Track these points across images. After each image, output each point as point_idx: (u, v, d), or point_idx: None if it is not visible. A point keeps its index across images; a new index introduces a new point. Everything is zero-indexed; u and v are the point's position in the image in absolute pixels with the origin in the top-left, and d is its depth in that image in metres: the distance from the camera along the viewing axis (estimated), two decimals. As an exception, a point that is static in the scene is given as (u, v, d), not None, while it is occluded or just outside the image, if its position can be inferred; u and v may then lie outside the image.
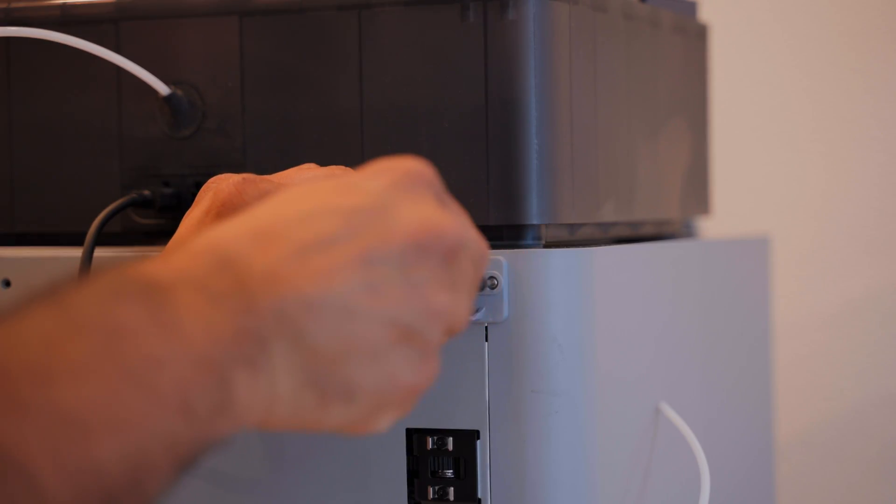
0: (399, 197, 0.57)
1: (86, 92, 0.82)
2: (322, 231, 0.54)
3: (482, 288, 0.71)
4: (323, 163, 0.76)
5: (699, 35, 0.98)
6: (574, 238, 0.78)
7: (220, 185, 0.70)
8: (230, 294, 0.51)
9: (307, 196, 0.56)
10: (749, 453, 1.01)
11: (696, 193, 0.97)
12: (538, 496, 0.71)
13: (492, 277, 0.71)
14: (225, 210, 0.69)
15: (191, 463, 0.50)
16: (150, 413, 0.47)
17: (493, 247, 0.73)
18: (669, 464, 0.81)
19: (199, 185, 0.74)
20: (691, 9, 0.98)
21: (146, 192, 0.80)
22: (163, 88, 0.79)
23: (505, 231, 0.74)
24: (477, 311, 0.71)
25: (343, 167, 0.73)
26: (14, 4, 0.83)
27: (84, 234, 0.75)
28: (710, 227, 1.05)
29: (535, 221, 0.74)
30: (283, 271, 0.52)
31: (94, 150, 0.82)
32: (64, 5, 0.82)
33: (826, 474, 1.44)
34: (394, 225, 0.55)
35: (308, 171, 0.72)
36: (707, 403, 0.90)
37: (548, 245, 0.75)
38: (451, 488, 0.72)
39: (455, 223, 0.58)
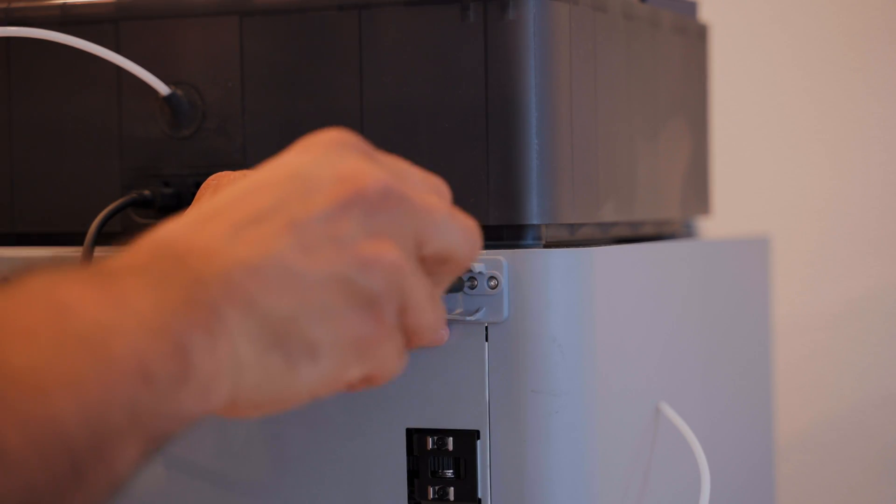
0: (321, 162, 0.59)
1: (86, 92, 0.82)
2: (252, 207, 0.56)
3: (460, 285, 0.71)
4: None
5: (699, 35, 0.98)
6: (574, 238, 0.78)
7: (221, 182, 0.71)
8: (173, 272, 0.53)
9: (243, 181, 0.59)
10: (749, 453, 1.01)
11: (696, 193, 0.97)
12: (538, 496, 0.71)
13: (492, 278, 0.71)
14: None
15: (162, 440, 0.51)
16: (105, 374, 0.49)
17: (494, 247, 0.73)
18: (669, 464, 0.81)
19: (199, 185, 0.74)
20: (691, 9, 0.98)
21: (146, 192, 0.80)
22: (163, 88, 0.79)
23: (505, 231, 0.74)
24: (477, 311, 0.71)
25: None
26: (14, 4, 0.83)
27: (84, 234, 0.75)
28: (710, 227, 1.05)
29: (535, 221, 0.74)
30: (219, 246, 0.55)
31: (94, 150, 0.82)
32: (64, 5, 0.82)
33: (826, 474, 1.44)
34: (317, 188, 0.58)
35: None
36: (707, 403, 0.90)
37: (548, 245, 0.75)
38: (451, 488, 0.72)
39: (375, 172, 0.59)
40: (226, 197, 0.58)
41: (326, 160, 0.59)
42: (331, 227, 0.57)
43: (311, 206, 0.57)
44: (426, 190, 0.62)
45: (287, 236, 0.56)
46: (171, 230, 0.56)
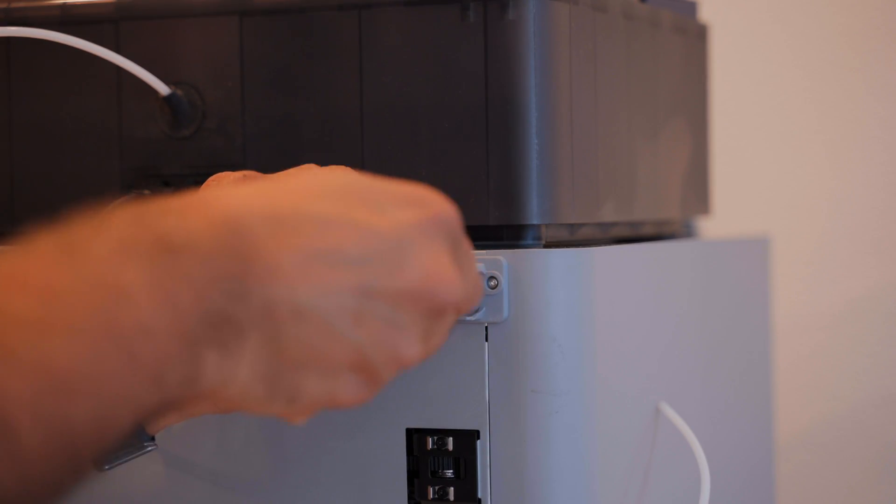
0: (419, 240, 0.58)
1: (86, 92, 0.82)
2: (337, 244, 0.55)
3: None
4: (323, 163, 0.76)
5: (699, 35, 0.98)
6: (574, 238, 0.78)
7: (222, 182, 0.71)
8: (231, 276, 0.52)
9: (333, 196, 0.57)
10: (749, 453, 1.01)
11: (696, 193, 0.97)
12: (538, 496, 0.71)
13: (492, 278, 0.71)
14: None
15: (147, 420, 0.52)
16: (127, 380, 0.49)
17: (493, 247, 0.73)
18: (669, 464, 0.81)
19: (199, 185, 0.74)
20: (691, 9, 0.98)
21: (146, 192, 0.80)
22: (163, 88, 0.79)
23: (505, 231, 0.74)
24: (477, 311, 0.71)
25: (344, 167, 0.73)
26: (14, 4, 0.83)
27: (84, 234, 0.75)
28: (710, 227, 1.05)
29: (535, 221, 0.74)
30: (287, 268, 0.54)
31: (94, 150, 0.82)
32: (64, 5, 0.82)
33: (826, 474, 1.44)
34: (403, 267, 0.57)
35: (308, 171, 0.72)
36: (707, 403, 0.90)
37: (548, 245, 0.75)
38: (451, 488, 0.72)
39: (457, 285, 0.59)
40: (313, 208, 0.56)
41: (425, 240, 0.58)
42: (395, 308, 0.57)
43: (392, 281, 0.56)
44: (467, 306, 0.62)
45: (354, 295, 0.55)
46: (251, 217, 0.54)
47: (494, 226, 0.74)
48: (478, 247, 0.73)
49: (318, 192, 0.57)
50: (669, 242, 0.91)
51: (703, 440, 0.78)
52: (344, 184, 0.59)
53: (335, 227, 0.56)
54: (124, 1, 0.81)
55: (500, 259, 0.71)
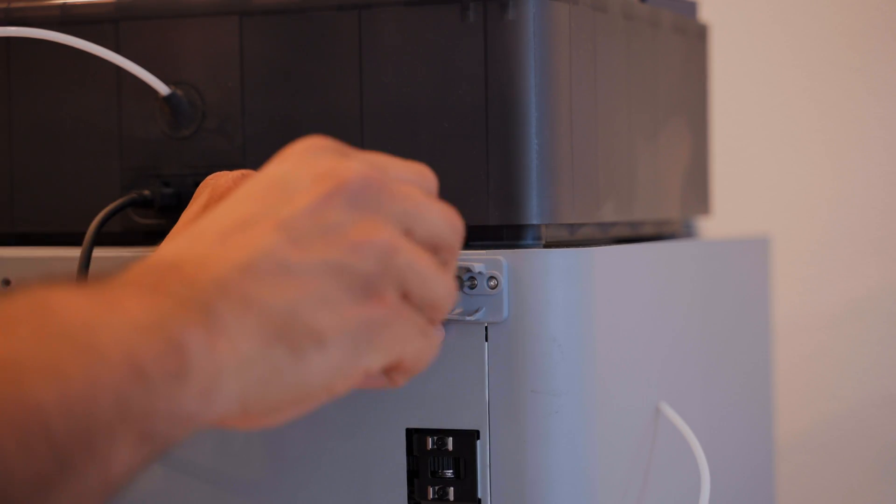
0: (299, 166, 0.60)
1: (86, 92, 0.82)
2: (237, 214, 0.58)
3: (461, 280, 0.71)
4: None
5: (699, 35, 0.98)
6: (574, 238, 0.78)
7: (219, 181, 0.71)
8: (166, 280, 0.54)
9: (231, 195, 0.60)
10: (749, 453, 1.01)
11: (696, 193, 0.97)
12: (538, 496, 0.71)
13: (492, 278, 0.71)
14: None
15: (162, 441, 0.51)
16: (90, 367, 0.49)
17: (493, 247, 0.73)
18: (669, 464, 0.81)
19: (198, 185, 0.74)
20: (691, 9, 0.98)
21: (146, 192, 0.80)
22: (163, 88, 0.79)
23: (505, 231, 0.74)
24: (477, 311, 0.71)
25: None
26: (14, 4, 0.83)
27: (84, 234, 0.75)
28: (710, 227, 1.05)
29: (535, 221, 0.74)
30: (211, 254, 0.56)
31: (94, 150, 0.82)
32: (64, 5, 0.82)
33: (826, 475, 1.44)
34: (297, 188, 0.59)
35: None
36: (707, 403, 0.90)
37: (548, 245, 0.75)
38: (451, 488, 0.72)
39: (353, 165, 0.60)
40: (211, 215, 0.59)
41: (303, 164, 0.60)
42: (317, 219, 0.58)
43: (294, 204, 0.58)
44: (408, 178, 0.63)
45: (275, 234, 0.57)
46: (163, 251, 0.57)
47: (494, 226, 0.74)
48: (478, 247, 0.73)
49: (214, 210, 0.60)
50: (669, 242, 0.91)
51: (703, 440, 0.78)
52: (235, 190, 0.61)
53: (232, 208, 0.59)
54: (124, 1, 0.81)
55: (500, 259, 0.71)
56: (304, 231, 0.57)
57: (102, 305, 0.51)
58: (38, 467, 0.47)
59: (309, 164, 0.60)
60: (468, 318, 0.71)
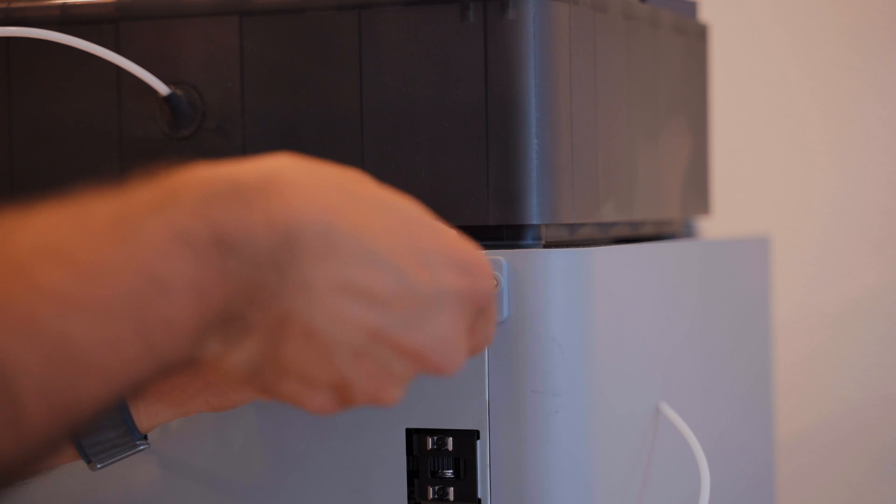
0: (448, 307, 0.59)
1: (86, 92, 0.82)
2: (373, 284, 0.56)
3: None
4: (323, 163, 0.76)
5: (699, 35, 0.98)
6: (574, 238, 0.78)
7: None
8: (265, 286, 0.53)
9: (393, 234, 0.57)
10: (749, 453, 1.01)
11: (696, 193, 0.97)
12: (538, 496, 0.71)
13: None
14: None
15: (146, 371, 0.52)
16: (140, 367, 0.50)
17: (494, 247, 0.73)
18: (669, 464, 0.81)
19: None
20: (691, 9, 0.98)
21: (146, 192, 0.80)
22: (163, 88, 0.79)
23: (505, 231, 0.74)
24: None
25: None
26: (14, 4, 0.83)
27: (84, 234, 0.75)
28: (710, 227, 1.05)
29: (535, 221, 0.74)
30: (317, 290, 0.54)
31: (94, 150, 0.82)
32: (64, 5, 0.82)
33: (826, 474, 1.44)
34: (421, 327, 0.58)
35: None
36: (707, 403, 0.90)
37: (548, 245, 0.75)
38: (451, 488, 0.72)
39: (459, 360, 0.60)
40: (367, 236, 0.56)
41: (455, 312, 0.59)
42: (391, 359, 0.58)
43: (401, 337, 0.57)
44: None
45: (363, 335, 0.56)
46: (312, 220, 0.54)
47: (494, 226, 0.74)
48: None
49: (381, 223, 0.57)
50: (669, 242, 0.91)
51: (703, 440, 0.78)
52: (407, 221, 0.59)
53: (378, 268, 0.56)
54: (124, 1, 0.81)
55: (500, 259, 0.71)
56: (376, 355, 0.57)
57: (195, 294, 0.51)
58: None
59: (449, 317, 0.59)
60: (468, 318, 0.71)
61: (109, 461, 0.73)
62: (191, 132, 0.80)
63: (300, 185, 0.54)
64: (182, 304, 0.50)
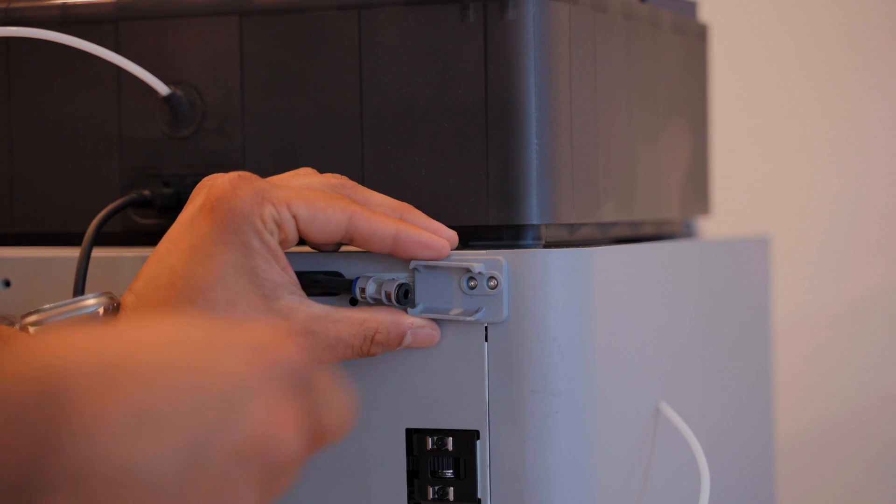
0: (254, 390, 0.53)
1: (86, 92, 0.82)
2: (166, 400, 0.51)
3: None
4: (323, 162, 0.76)
5: (699, 35, 0.98)
6: (574, 238, 0.78)
7: (215, 182, 0.70)
8: (45, 429, 0.48)
9: (169, 344, 0.53)
10: (749, 453, 1.01)
11: (696, 193, 0.97)
12: (538, 496, 0.71)
13: (492, 278, 0.71)
14: (219, 206, 0.69)
15: None
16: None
17: (493, 247, 0.73)
18: (669, 464, 0.81)
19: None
20: (691, 9, 0.98)
21: (146, 192, 0.80)
22: (163, 88, 0.79)
23: (505, 231, 0.74)
24: (477, 311, 0.71)
25: (339, 175, 0.73)
26: (14, 4, 0.83)
27: (84, 234, 0.75)
28: (710, 227, 1.05)
29: (535, 221, 0.74)
30: (111, 426, 0.49)
31: (94, 150, 0.82)
32: (64, 5, 0.82)
33: (826, 474, 1.44)
34: (233, 424, 0.52)
35: (305, 176, 0.72)
36: (707, 403, 0.90)
37: (548, 245, 0.75)
38: (451, 488, 0.72)
39: (293, 440, 0.53)
40: (153, 357, 0.52)
41: (265, 391, 0.53)
42: (225, 469, 0.52)
43: (220, 441, 0.52)
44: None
45: (182, 454, 0.51)
46: (76, 356, 0.50)
47: (494, 226, 0.74)
48: (478, 247, 0.73)
49: (152, 338, 0.53)
50: (669, 242, 0.91)
51: (703, 440, 0.78)
52: (184, 330, 0.54)
53: (163, 383, 0.51)
54: (124, 1, 0.81)
55: (500, 259, 0.71)
56: (208, 469, 0.51)
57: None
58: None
59: (266, 397, 0.53)
60: (468, 318, 0.71)
61: None
62: (191, 132, 0.80)
63: (56, 338, 0.51)
64: None
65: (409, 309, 0.71)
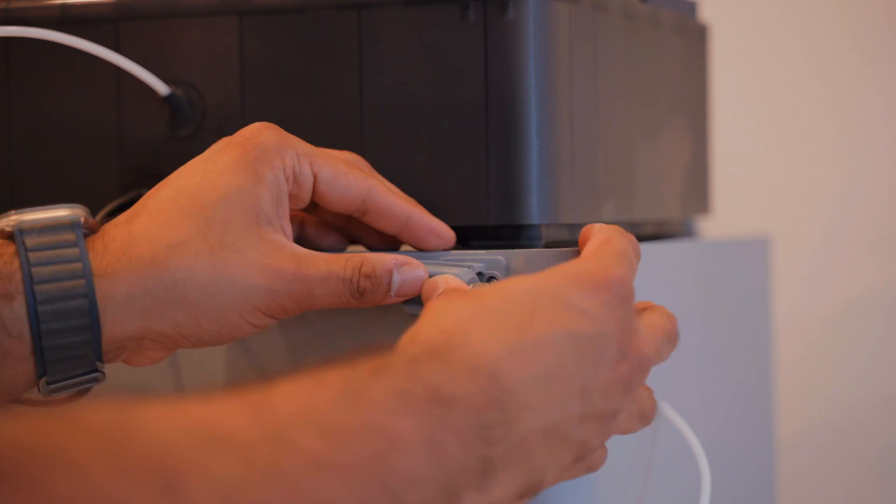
0: (610, 322, 0.61)
1: (86, 92, 0.82)
2: (559, 359, 0.58)
3: None
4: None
5: (699, 35, 0.98)
6: (574, 238, 0.78)
7: (242, 129, 0.70)
8: (492, 424, 0.55)
9: (539, 311, 0.59)
10: (749, 453, 1.01)
11: (696, 193, 0.97)
12: (538, 496, 0.71)
13: (492, 278, 0.71)
14: (243, 141, 0.69)
15: None
16: None
17: (494, 247, 0.73)
18: (669, 464, 0.81)
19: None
20: (691, 9, 0.98)
21: (146, 192, 0.80)
22: (163, 88, 0.79)
23: (505, 231, 0.74)
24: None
25: (355, 154, 0.74)
26: (14, 4, 0.83)
27: (84, 234, 0.75)
28: (710, 227, 1.05)
29: (535, 221, 0.74)
30: (533, 399, 0.57)
31: (94, 150, 0.82)
32: (64, 5, 0.82)
33: (826, 474, 1.44)
34: (607, 357, 0.60)
35: (346, 160, 0.73)
36: (707, 403, 0.90)
37: (548, 245, 0.75)
38: (451, 488, 0.72)
39: (648, 345, 0.63)
40: (539, 328, 0.59)
41: (618, 319, 0.61)
42: (607, 400, 0.61)
43: (600, 376, 0.60)
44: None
45: (577, 400, 0.59)
46: (496, 358, 0.57)
47: (494, 226, 0.74)
48: (478, 247, 0.73)
49: (528, 310, 0.59)
50: (669, 242, 0.91)
51: (703, 440, 0.78)
52: (533, 295, 0.60)
53: (553, 344, 0.59)
54: (124, 1, 0.81)
55: (500, 259, 0.71)
56: (595, 409, 0.60)
57: (433, 450, 0.52)
58: None
59: (618, 324, 0.61)
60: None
61: (61, 387, 0.68)
62: (191, 132, 0.80)
63: (476, 330, 0.57)
64: (420, 459, 0.52)
65: (410, 305, 0.71)
